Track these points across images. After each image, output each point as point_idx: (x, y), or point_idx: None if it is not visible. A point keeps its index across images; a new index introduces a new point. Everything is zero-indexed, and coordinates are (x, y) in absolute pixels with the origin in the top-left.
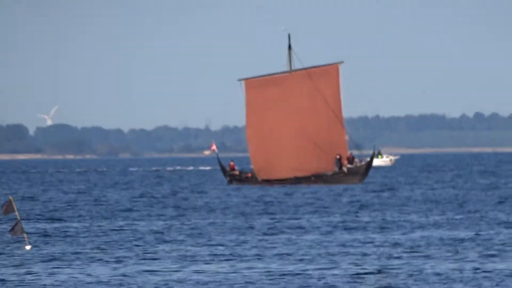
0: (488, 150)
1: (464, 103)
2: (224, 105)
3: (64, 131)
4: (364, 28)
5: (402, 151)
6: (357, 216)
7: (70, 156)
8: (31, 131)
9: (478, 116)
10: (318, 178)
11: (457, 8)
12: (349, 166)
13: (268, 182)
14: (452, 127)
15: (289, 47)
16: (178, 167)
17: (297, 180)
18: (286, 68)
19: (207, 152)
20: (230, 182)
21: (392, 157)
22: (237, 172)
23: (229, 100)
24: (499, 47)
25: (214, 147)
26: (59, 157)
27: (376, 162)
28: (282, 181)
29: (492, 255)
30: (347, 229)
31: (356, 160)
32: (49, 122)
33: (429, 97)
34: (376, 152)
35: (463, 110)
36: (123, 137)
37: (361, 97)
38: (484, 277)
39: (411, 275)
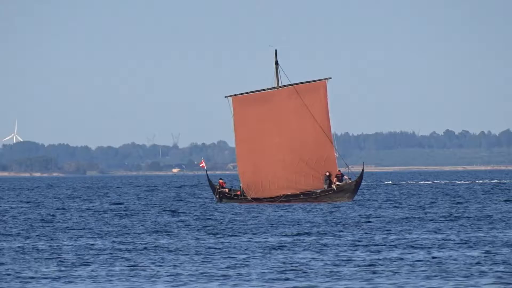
0: (459, 168)
1: (435, 121)
2: (192, 122)
3: (30, 148)
4: (340, 46)
5: (371, 169)
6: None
7: (37, 174)
8: None
9: (449, 133)
10: (307, 196)
11: (433, 27)
12: (338, 183)
13: (258, 200)
14: (422, 144)
15: (276, 63)
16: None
17: (286, 198)
18: (273, 85)
19: (175, 170)
20: (219, 200)
21: None
22: (226, 190)
23: (197, 117)
24: (469, 66)
25: (203, 163)
26: (26, 174)
27: None
28: (271, 199)
29: None
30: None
31: (346, 177)
32: (16, 140)
33: (399, 114)
34: None
35: (433, 128)
36: (90, 154)
37: (331, 115)
38: None
39: None
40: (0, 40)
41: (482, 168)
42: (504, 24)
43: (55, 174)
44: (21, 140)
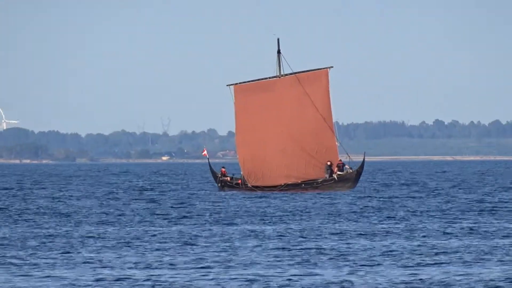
0: (448, 158)
1: (424, 111)
2: (182, 110)
3: (20, 135)
4: (334, 37)
5: (360, 159)
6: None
7: (27, 161)
8: None
9: (438, 123)
10: (308, 185)
11: (422, 18)
12: (339, 173)
13: (258, 188)
14: (411, 134)
15: (278, 51)
16: None
17: (287, 187)
18: (275, 73)
19: (165, 158)
20: (221, 188)
21: None
22: (228, 178)
23: (187, 105)
24: (459, 56)
25: (205, 152)
26: (16, 161)
27: None
28: (272, 188)
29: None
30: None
31: (347, 166)
32: (4, 126)
33: (388, 104)
34: None
35: (422, 118)
36: (80, 142)
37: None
38: None
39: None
40: None
41: (471, 158)
42: (492, 17)
43: (44, 162)
44: (16, 122)
